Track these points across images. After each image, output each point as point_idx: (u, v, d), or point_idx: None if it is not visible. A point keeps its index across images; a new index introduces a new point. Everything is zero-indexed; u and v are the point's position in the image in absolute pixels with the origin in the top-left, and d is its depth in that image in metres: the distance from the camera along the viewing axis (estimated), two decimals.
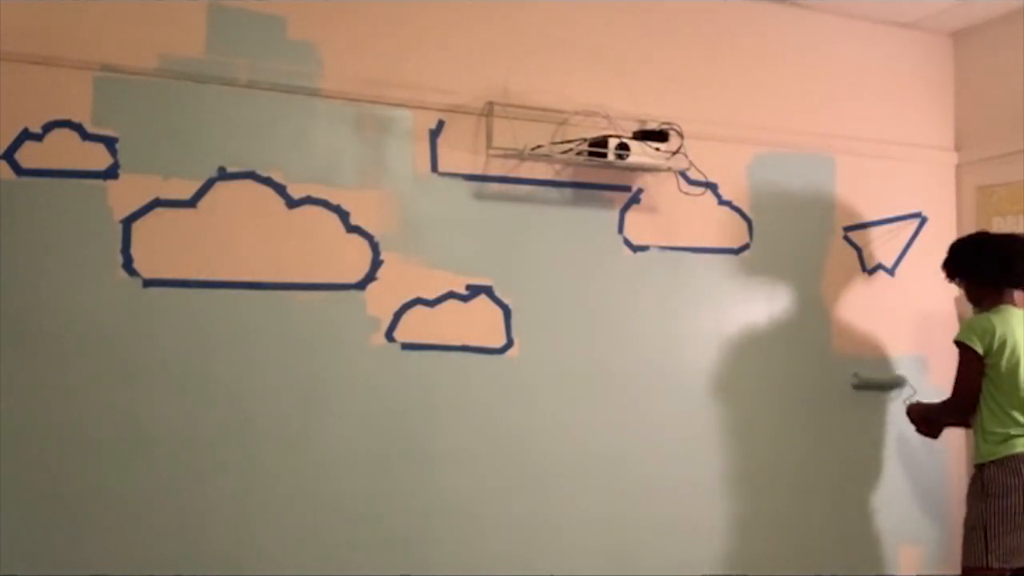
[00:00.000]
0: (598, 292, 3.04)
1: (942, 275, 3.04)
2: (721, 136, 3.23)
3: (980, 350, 2.85)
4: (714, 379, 3.20)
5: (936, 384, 3.48)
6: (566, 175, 3.01)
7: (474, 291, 2.87)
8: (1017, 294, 2.94)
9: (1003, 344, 2.83)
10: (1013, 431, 2.84)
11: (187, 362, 2.52)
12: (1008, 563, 2.81)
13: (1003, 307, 2.90)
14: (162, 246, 2.51)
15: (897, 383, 3.46)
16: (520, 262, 2.93)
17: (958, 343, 2.90)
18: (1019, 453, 2.82)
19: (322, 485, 2.66)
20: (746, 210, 3.29)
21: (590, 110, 2.96)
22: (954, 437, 3.56)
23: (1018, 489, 2.81)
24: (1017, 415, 2.84)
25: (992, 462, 2.86)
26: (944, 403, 3.06)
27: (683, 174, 3.12)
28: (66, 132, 2.43)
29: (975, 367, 2.87)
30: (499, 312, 2.90)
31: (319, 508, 2.65)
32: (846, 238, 3.45)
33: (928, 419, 3.14)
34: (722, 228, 3.25)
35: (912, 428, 3.19)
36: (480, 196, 2.89)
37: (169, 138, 2.53)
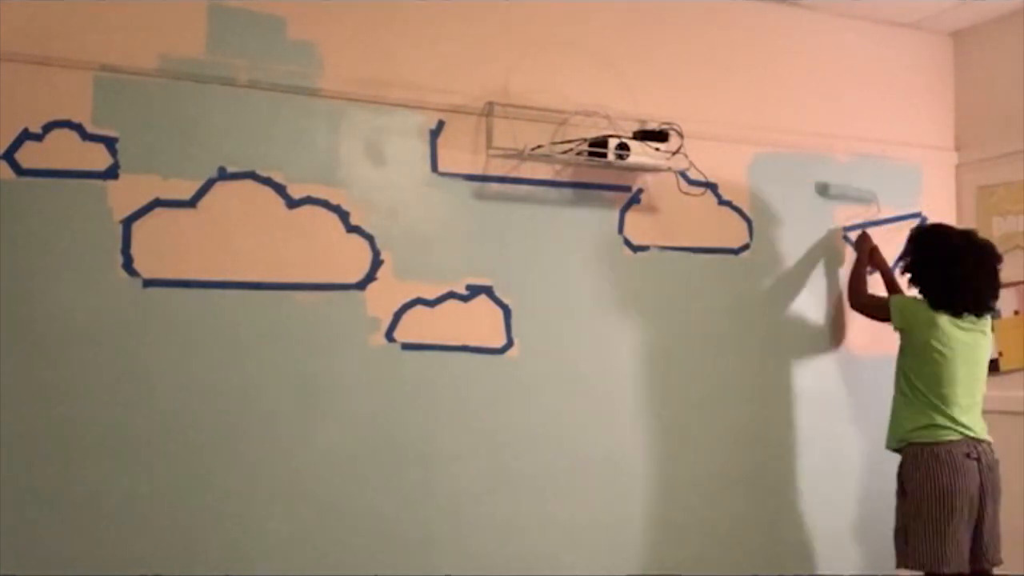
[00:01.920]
0: (598, 292, 3.04)
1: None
2: (721, 136, 3.23)
3: (895, 324, 2.96)
4: (714, 379, 3.20)
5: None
6: (566, 175, 3.01)
7: (474, 291, 2.87)
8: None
9: (923, 332, 2.84)
10: (927, 420, 2.81)
11: (187, 362, 2.52)
12: (930, 569, 2.73)
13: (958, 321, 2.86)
14: (162, 246, 2.51)
15: (863, 197, 3.44)
16: (520, 262, 2.93)
17: (896, 300, 3.03)
18: (931, 444, 2.78)
19: (322, 485, 2.66)
20: (746, 210, 3.29)
21: (590, 110, 2.96)
22: None
23: (933, 490, 2.74)
24: (936, 404, 2.81)
25: (906, 451, 2.85)
26: (849, 279, 3.32)
27: (683, 174, 3.12)
28: (66, 132, 2.43)
29: (878, 307, 3.07)
30: (499, 312, 2.90)
31: (319, 508, 2.65)
32: (846, 238, 3.45)
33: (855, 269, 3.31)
34: (722, 228, 3.25)
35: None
36: (480, 196, 2.89)
37: (169, 138, 2.53)
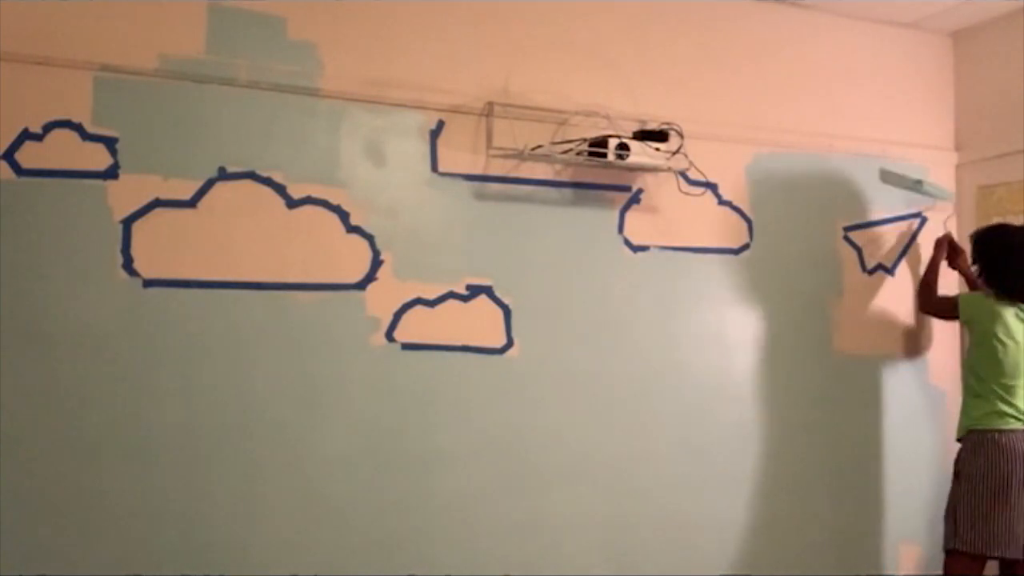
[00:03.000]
0: (598, 292, 3.04)
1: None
2: (721, 136, 3.22)
3: (962, 317, 3.13)
4: (714, 379, 3.20)
5: (937, 383, 3.50)
6: (566, 175, 3.01)
7: (474, 291, 2.87)
8: None
9: (988, 324, 2.99)
10: (990, 408, 2.94)
11: (187, 362, 2.52)
12: (976, 550, 2.86)
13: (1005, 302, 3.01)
14: (162, 246, 2.51)
15: (921, 190, 3.45)
16: (520, 262, 2.93)
17: (963, 295, 3.21)
18: (992, 431, 2.90)
19: (322, 485, 2.66)
20: (746, 210, 3.29)
21: (590, 110, 2.96)
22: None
23: (988, 471, 2.87)
24: (995, 396, 2.94)
25: (966, 438, 2.98)
26: (921, 280, 3.45)
27: (683, 174, 3.11)
28: (66, 132, 2.43)
29: (946, 306, 3.22)
30: (499, 312, 2.90)
31: (319, 508, 2.65)
32: (846, 238, 3.45)
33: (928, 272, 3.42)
34: (722, 228, 3.25)
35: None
36: (480, 196, 2.89)
37: (169, 138, 2.53)
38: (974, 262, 3.14)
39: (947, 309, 3.24)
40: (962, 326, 3.25)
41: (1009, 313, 2.99)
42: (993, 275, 3.05)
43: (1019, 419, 2.92)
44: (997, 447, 2.89)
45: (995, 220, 3.48)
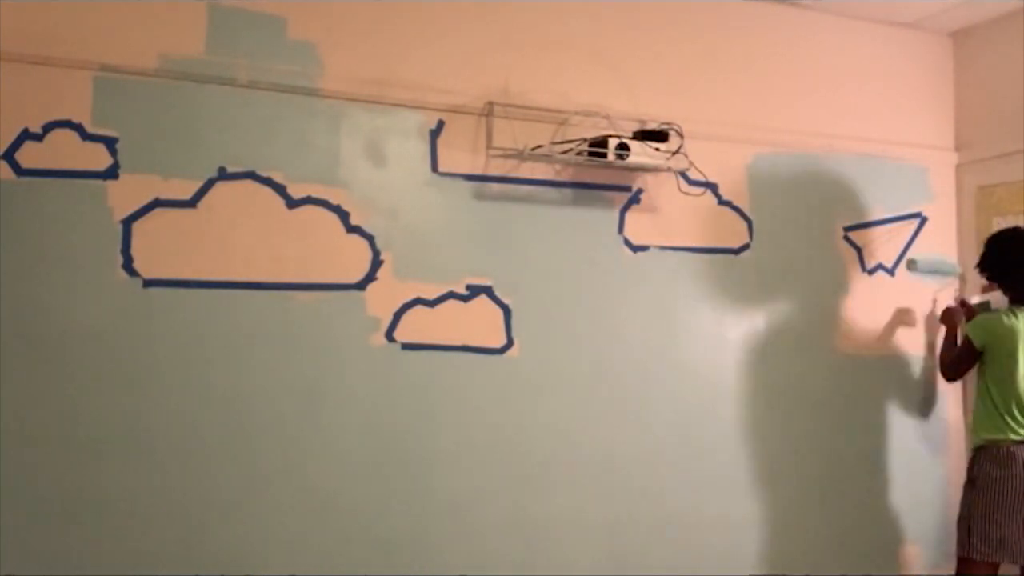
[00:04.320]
0: (598, 292, 3.04)
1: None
2: (721, 136, 3.23)
3: (978, 345, 3.02)
4: (714, 379, 3.20)
5: (937, 383, 3.50)
6: (566, 175, 3.01)
7: (474, 291, 2.87)
8: None
9: (1004, 341, 2.94)
10: (1003, 421, 2.93)
11: (187, 362, 2.52)
12: (991, 558, 2.88)
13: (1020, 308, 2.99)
14: (162, 246, 2.51)
15: (948, 271, 3.49)
16: (520, 262, 2.93)
17: (972, 322, 3.10)
18: (1006, 442, 2.90)
19: (322, 485, 2.66)
20: (746, 210, 3.29)
21: (590, 110, 2.96)
22: (958, 439, 3.57)
23: (1003, 481, 2.87)
24: (1012, 408, 2.93)
25: (981, 449, 2.97)
26: (940, 354, 3.36)
27: (683, 174, 3.12)
28: (66, 132, 2.43)
29: (965, 354, 3.08)
30: (499, 312, 2.90)
31: (319, 508, 2.65)
32: (846, 238, 3.45)
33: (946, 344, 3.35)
34: (722, 228, 3.25)
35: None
36: (480, 196, 2.89)
37: (169, 138, 2.53)
38: (986, 268, 3.06)
39: (969, 355, 3.07)
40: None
41: (1020, 323, 2.94)
42: (1009, 279, 3.01)
43: None
44: (1013, 457, 2.88)
45: (996, 220, 3.49)
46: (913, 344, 3.53)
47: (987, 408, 2.99)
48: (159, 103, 2.52)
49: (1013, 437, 2.91)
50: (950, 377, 3.25)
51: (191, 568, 2.50)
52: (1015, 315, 2.96)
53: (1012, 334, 2.94)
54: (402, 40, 2.80)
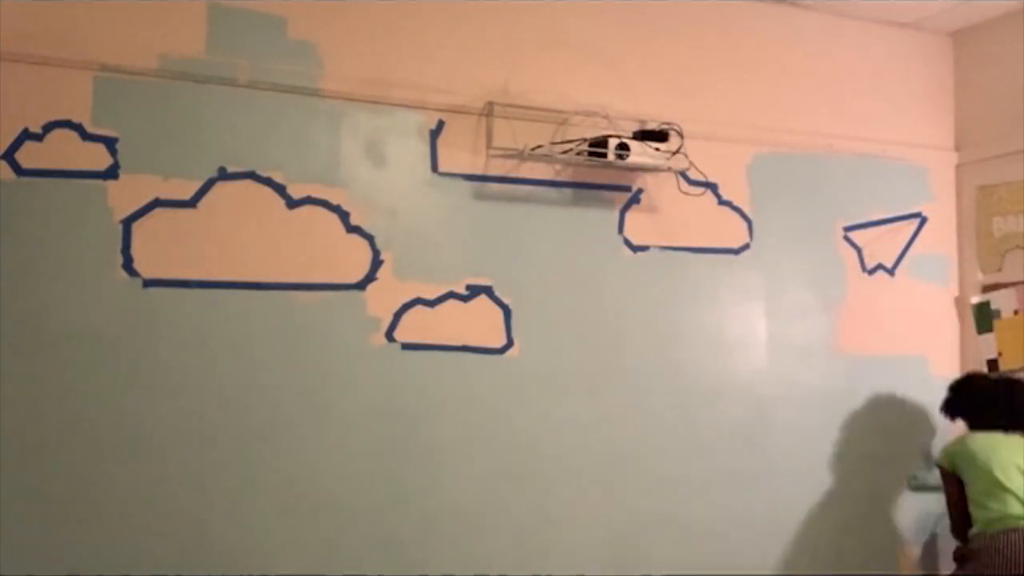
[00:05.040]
0: (598, 292, 3.04)
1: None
2: (721, 136, 3.22)
3: (949, 469, 3.03)
4: (714, 379, 3.20)
5: (939, 383, 3.49)
6: (566, 175, 3.01)
7: (474, 291, 2.87)
8: None
9: (973, 457, 2.94)
10: (999, 515, 2.87)
11: (187, 362, 2.52)
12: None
13: (987, 433, 3.00)
14: (162, 246, 2.51)
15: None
16: (520, 262, 2.93)
17: (939, 466, 3.12)
18: (1007, 530, 2.83)
19: (322, 485, 2.65)
20: (746, 210, 3.29)
21: (590, 110, 2.96)
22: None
23: (1006, 564, 2.80)
24: (994, 499, 2.89)
25: (977, 538, 2.92)
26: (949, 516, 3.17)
27: (683, 174, 3.11)
28: (66, 132, 2.43)
29: (952, 487, 3.04)
30: (499, 312, 2.90)
31: (319, 508, 2.65)
32: (846, 238, 3.45)
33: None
34: (722, 228, 3.25)
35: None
36: (480, 196, 2.89)
37: (169, 138, 2.53)
38: (957, 414, 3.13)
39: (960, 499, 3.02)
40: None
41: (980, 436, 2.98)
42: (969, 416, 3.08)
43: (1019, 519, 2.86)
44: (1009, 543, 2.81)
45: (996, 220, 3.47)
46: (913, 344, 3.54)
47: (978, 512, 2.93)
48: (159, 103, 2.52)
49: (1013, 525, 2.84)
50: (959, 534, 3.08)
51: (191, 568, 2.49)
52: (974, 439, 2.99)
53: (980, 451, 2.93)
54: (402, 40, 2.81)
